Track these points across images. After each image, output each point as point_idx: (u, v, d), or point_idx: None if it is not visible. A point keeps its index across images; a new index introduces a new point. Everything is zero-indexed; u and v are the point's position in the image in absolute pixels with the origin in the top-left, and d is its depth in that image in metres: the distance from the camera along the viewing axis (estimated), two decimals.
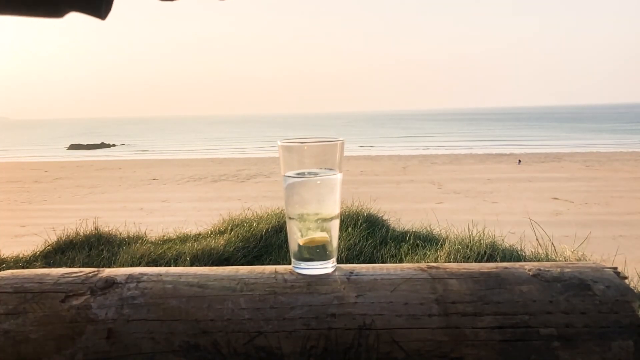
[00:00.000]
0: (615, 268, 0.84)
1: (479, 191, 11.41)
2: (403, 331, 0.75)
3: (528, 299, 0.78)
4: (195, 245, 3.31)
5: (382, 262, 2.96)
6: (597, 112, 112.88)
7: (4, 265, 3.19)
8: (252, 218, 3.86)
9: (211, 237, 3.59)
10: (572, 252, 2.76)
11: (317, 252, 0.84)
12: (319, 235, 0.83)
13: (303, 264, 0.84)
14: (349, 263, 1.16)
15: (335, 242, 0.85)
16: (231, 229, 3.67)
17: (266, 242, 3.44)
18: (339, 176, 0.84)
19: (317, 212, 0.83)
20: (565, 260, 2.46)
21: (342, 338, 0.75)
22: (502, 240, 3.05)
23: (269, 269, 0.85)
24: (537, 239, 2.92)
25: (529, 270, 0.84)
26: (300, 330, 0.75)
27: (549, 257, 2.76)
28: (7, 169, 20.79)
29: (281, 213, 3.80)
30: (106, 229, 3.79)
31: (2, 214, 10.24)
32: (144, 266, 2.93)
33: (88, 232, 3.69)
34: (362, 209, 3.91)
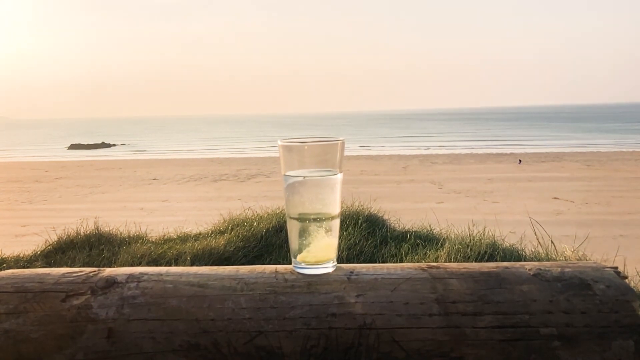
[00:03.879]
0: (616, 268, 0.84)
1: (480, 191, 11.40)
2: (403, 331, 0.75)
3: (528, 298, 0.78)
4: (196, 245, 3.31)
5: (383, 262, 2.96)
6: (598, 112, 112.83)
7: (4, 265, 3.19)
8: (253, 218, 3.85)
9: (211, 236, 3.59)
10: (573, 251, 2.75)
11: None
12: (322, 250, 0.83)
13: (303, 264, 0.84)
14: (350, 263, 1.16)
15: (335, 242, 0.85)
16: (231, 229, 3.67)
17: (267, 241, 3.43)
18: (339, 176, 0.84)
19: (318, 212, 0.83)
20: (565, 260, 2.46)
21: (343, 337, 0.75)
22: (503, 239, 3.04)
23: (269, 268, 0.85)
24: (537, 239, 2.92)
25: (530, 269, 0.84)
26: (300, 329, 0.75)
27: (550, 256, 2.76)
28: (8, 169, 20.79)
29: (281, 213, 3.80)
30: (107, 229, 3.78)
31: (2, 213, 10.25)
32: (144, 266, 2.94)
33: (89, 232, 3.68)
34: (362, 208, 3.91)
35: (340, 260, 1.03)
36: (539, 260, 2.68)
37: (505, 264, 0.87)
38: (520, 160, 18.56)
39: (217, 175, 15.94)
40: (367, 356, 0.75)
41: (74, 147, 38.23)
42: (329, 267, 0.84)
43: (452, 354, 0.74)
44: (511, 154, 22.80)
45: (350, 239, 3.27)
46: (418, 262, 2.76)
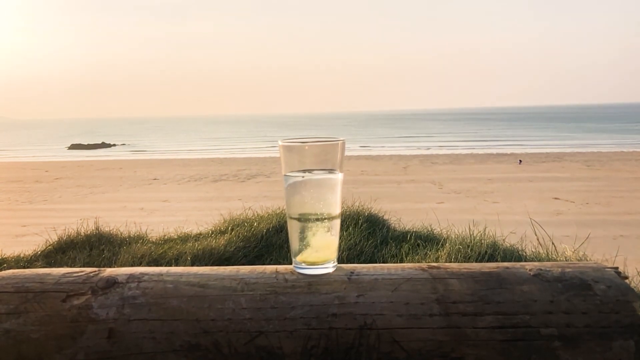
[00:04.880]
0: (616, 268, 0.84)
1: (480, 191, 11.40)
2: (404, 331, 0.75)
3: (529, 298, 0.78)
4: (196, 245, 3.31)
5: (383, 262, 2.95)
6: (598, 112, 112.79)
7: (5, 265, 3.19)
8: (253, 218, 3.85)
9: (212, 236, 3.59)
10: (573, 252, 2.75)
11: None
12: (323, 250, 0.83)
13: (304, 264, 0.84)
14: (350, 263, 1.16)
15: (336, 242, 0.85)
16: (232, 229, 3.67)
17: (267, 241, 3.43)
18: (339, 176, 0.84)
19: (318, 212, 0.83)
20: (566, 260, 2.46)
21: (343, 338, 0.75)
22: (503, 240, 3.04)
23: (269, 268, 0.85)
24: (537, 239, 2.92)
25: (530, 270, 0.84)
26: (301, 330, 0.75)
27: (550, 257, 2.76)
28: (8, 169, 20.80)
29: (282, 213, 3.80)
30: (107, 229, 3.78)
31: (3, 213, 10.25)
32: (144, 266, 2.94)
33: (89, 232, 3.68)
34: (362, 208, 3.91)
35: (340, 260, 1.03)
36: (539, 261, 2.68)
37: (505, 264, 0.87)
38: (520, 161, 18.55)
39: (217, 175, 15.94)
40: (367, 356, 0.75)
41: (74, 147, 38.24)
42: (329, 268, 0.84)
43: (452, 354, 0.74)
44: (511, 154, 22.79)
45: (350, 239, 3.27)
46: (418, 262, 2.76)
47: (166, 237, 3.80)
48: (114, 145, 40.28)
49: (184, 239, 3.68)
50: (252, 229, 3.55)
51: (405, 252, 3.11)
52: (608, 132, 42.85)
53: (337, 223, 0.85)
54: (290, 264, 0.87)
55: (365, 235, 3.39)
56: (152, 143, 43.93)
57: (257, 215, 3.94)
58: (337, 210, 0.85)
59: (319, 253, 0.83)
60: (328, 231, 0.84)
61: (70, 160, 26.01)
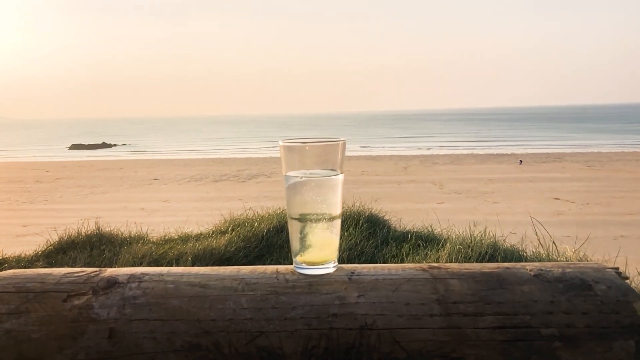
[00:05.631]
0: (617, 268, 0.84)
1: (480, 191, 11.39)
2: (404, 331, 0.75)
3: (529, 299, 0.78)
4: (197, 245, 3.31)
5: (384, 262, 2.96)
6: (598, 112, 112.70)
7: (5, 265, 3.19)
8: (254, 218, 3.86)
9: (212, 237, 3.59)
10: (574, 252, 2.75)
11: None
12: (323, 250, 0.84)
13: (304, 264, 0.84)
14: (350, 263, 1.16)
15: (336, 242, 0.86)
16: (232, 229, 3.67)
17: (267, 242, 3.44)
18: (340, 176, 0.84)
19: (319, 212, 0.83)
20: (566, 261, 2.46)
21: (344, 338, 0.75)
22: (504, 240, 3.04)
23: (270, 268, 0.86)
24: (538, 239, 2.92)
25: (530, 270, 0.84)
26: (301, 330, 0.75)
27: (550, 257, 2.76)
28: (8, 169, 20.82)
29: (282, 213, 3.80)
30: (108, 229, 3.79)
31: (3, 213, 10.26)
32: (145, 266, 2.94)
33: (89, 232, 3.68)
34: (363, 209, 3.91)
35: (341, 260, 1.03)
36: (540, 261, 2.68)
37: (506, 264, 0.87)
38: (521, 161, 18.55)
39: (217, 175, 15.95)
40: (368, 356, 0.75)
41: (74, 147, 38.24)
42: (330, 268, 0.84)
43: (453, 355, 0.74)
44: (512, 154, 22.78)
45: (351, 240, 3.27)
46: (419, 262, 2.76)
47: (167, 237, 3.81)
48: (115, 145, 40.28)
49: (185, 239, 3.68)
50: (253, 229, 3.55)
51: (405, 252, 3.11)
52: (608, 132, 42.83)
53: (337, 223, 0.85)
54: (291, 264, 0.87)
55: (366, 235, 3.39)
56: (153, 143, 43.95)
57: (258, 215, 3.94)
58: (337, 210, 0.85)
59: (319, 253, 0.83)
60: (329, 231, 0.84)
61: (70, 160, 26.03)
